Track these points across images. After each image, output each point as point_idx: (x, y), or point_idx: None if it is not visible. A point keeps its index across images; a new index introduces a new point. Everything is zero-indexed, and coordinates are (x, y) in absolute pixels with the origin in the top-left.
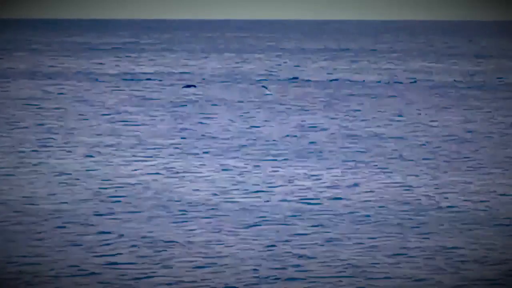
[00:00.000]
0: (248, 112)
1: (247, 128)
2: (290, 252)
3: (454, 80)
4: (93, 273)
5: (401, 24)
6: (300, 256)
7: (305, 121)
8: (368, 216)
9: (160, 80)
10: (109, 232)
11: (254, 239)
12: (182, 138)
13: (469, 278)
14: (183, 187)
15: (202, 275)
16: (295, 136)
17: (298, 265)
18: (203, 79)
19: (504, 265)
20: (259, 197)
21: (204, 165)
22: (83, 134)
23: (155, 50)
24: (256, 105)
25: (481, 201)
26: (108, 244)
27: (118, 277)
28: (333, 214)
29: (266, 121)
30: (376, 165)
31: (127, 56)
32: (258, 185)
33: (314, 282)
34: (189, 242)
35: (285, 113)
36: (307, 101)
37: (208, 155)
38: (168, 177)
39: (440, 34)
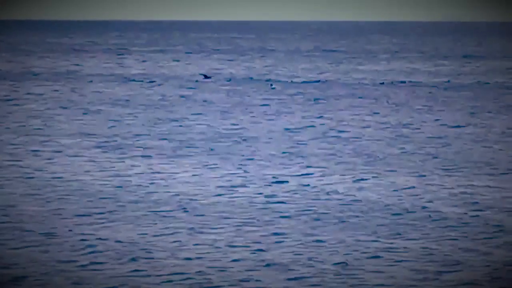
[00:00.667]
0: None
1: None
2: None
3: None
4: None
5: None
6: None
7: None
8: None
9: (140, 81)
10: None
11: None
12: (162, 139)
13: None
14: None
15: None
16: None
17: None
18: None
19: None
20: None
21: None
22: (51, 134)
23: (141, 51)
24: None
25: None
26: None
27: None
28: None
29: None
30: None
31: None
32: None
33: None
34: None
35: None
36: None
37: (179, 156)
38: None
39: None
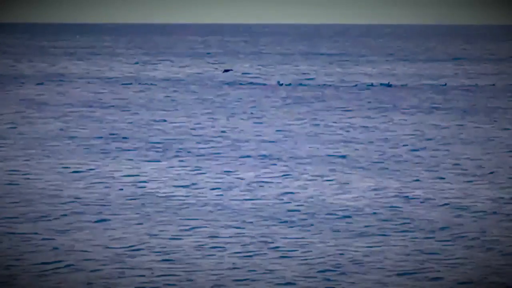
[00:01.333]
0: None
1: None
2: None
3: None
4: None
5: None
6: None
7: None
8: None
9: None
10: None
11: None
12: (124, 138)
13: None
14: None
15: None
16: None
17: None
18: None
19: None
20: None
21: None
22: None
23: (105, 53)
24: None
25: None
26: None
27: None
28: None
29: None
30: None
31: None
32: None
33: None
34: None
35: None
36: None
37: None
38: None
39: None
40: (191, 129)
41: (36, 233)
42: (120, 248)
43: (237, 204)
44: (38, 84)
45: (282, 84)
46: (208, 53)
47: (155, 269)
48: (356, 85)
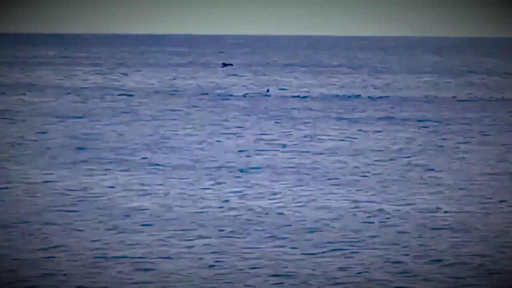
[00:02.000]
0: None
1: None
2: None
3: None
4: None
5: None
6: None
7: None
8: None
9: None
10: None
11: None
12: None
13: None
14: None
15: None
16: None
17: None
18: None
19: None
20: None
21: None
22: None
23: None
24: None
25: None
26: None
27: None
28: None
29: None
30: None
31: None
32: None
33: None
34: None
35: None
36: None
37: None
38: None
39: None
40: (155, 139)
41: None
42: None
43: (199, 216)
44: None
45: (246, 95)
46: (178, 64)
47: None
48: (323, 97)
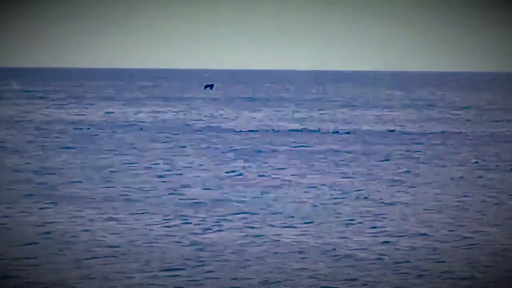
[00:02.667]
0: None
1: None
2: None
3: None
4: None
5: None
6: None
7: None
8: None
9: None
10: None
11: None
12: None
13: None
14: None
15: None
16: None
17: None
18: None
19: None
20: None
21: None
22: None
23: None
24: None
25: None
26: None
27: None
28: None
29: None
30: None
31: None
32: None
33: None
34: None
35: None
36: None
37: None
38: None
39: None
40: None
41: None
42: None
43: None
44: None
45: (190, 124)
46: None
47: None
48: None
